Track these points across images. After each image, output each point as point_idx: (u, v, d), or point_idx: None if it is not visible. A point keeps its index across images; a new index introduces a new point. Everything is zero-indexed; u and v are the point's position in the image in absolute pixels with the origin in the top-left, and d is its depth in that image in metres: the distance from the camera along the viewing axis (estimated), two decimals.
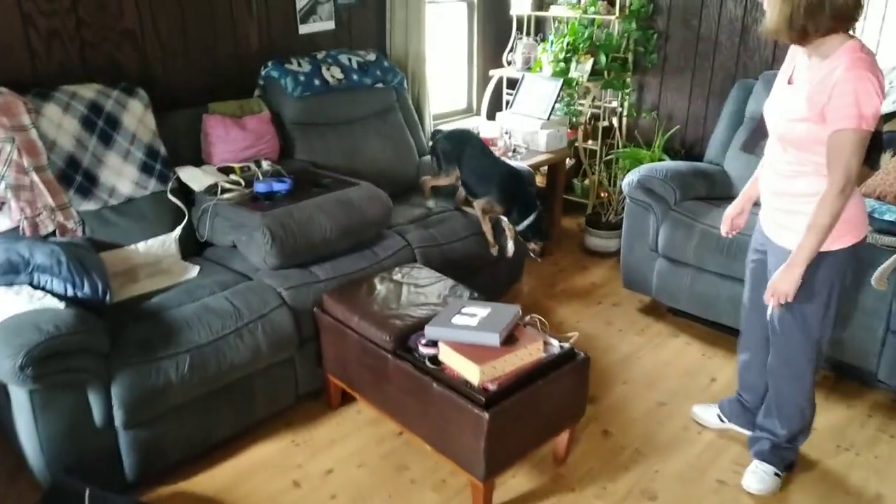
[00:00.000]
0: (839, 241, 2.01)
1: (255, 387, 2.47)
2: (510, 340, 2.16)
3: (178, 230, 2.79)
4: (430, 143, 3.53)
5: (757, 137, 3.46)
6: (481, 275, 3.19)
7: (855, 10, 1.84)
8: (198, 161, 3.00)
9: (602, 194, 4.08)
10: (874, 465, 2.42)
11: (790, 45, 2.00)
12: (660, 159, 3.88)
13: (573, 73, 4.10)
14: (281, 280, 2.60)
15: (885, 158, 3.07)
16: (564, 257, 4.04)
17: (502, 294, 3.46)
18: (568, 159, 4.29)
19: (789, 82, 2.05)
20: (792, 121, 1.96)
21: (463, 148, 3.30)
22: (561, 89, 3.98)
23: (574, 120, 4.20)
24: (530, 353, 2.17)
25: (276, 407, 2.58)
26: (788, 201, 2.07)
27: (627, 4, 4.10)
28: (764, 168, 2.21)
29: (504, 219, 3.25)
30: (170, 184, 2.81)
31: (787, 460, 2.35)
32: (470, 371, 2.08)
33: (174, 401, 2.22)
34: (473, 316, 2.25)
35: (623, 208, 4.00)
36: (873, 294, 2.59)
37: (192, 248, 2.85)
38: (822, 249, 1.98)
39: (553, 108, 3.98)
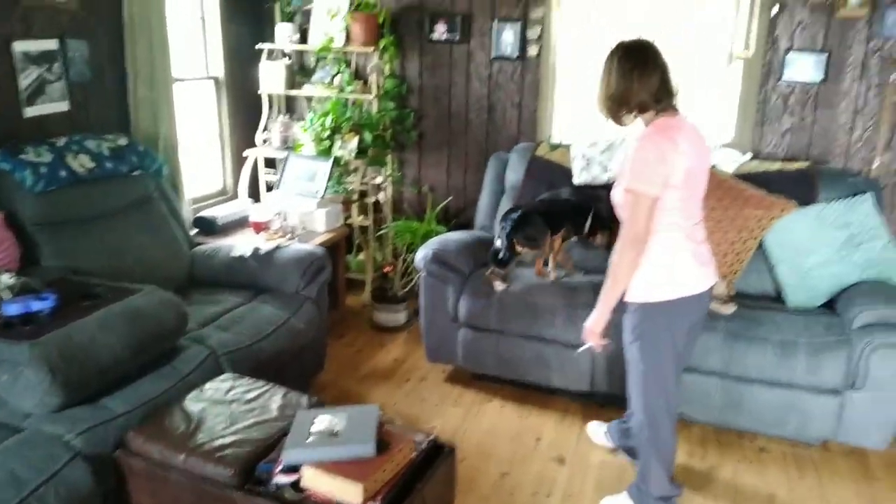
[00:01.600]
0: (646, 294, 2.21)
1: None
2: (382, 447, 1.97)
3: None
4: (506, 230, 3.27)
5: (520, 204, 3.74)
6: (287, 370, 2.90)
7: (657, 99, 2.12)
8: None
9: (386, 269, 4.04)
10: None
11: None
12: (434, 230, 3.99)
13: (338, 152, 4.04)
14: (67, 424, 2.05)
15: None
16: (358, 337, 3.89)
17: (310, 386, 3.18)
18: None
19: None
20: (616, 186, 2.26)
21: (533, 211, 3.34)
22: (332, 168, 3.89)
23: (346, 197, 4.13)
24: (404, 454, 2.00)
25: None
26: None
27: (382, 85, 4.20)
28: None
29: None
30: None
31: None
32: (350, 491, 1.84)
33: None
34: (332, 427, 2.01)
35: (409, 281, 4.02)
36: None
37: None
38: (635, 300, 2.23)
39: (326, 186, 3.86)
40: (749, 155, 3.62)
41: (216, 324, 2.76)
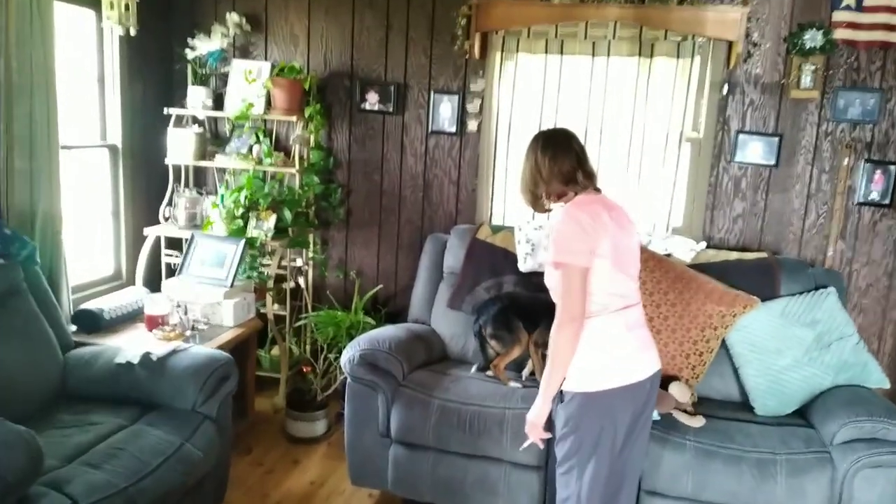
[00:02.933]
0: (583, 383, 2.02)
1: None
2: None
3: None
4: (478, 327, 3.08)
5: (462, 293, 3.36)
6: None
7: (573, 182, 2.08)
8: None
9: (305, 369, 3.53)
10: None
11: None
12: (362, 322, 3.53)
13: (253, 232, 3.57)
14: None
15: None
16: (269, 452, 3.33)
17: None
18: None
19: None
20: (546, 269, 2.14)
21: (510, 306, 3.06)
22: (244, 250, 3.41)
23: (259, 283, 3.63)
24: None
25: None
26: None
27: (306, 157, 3.79)
28: None
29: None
30: None
31: None
32: None
33: None
34: None
35: (330, 382, 3.53)
36: None
37: None
38: (571, 389, 2.04)
39: (236, 272, 3.36)
40: (703, 244, 3.37)
41: (85, 459, 2.19)
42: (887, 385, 2.85)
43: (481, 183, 3.72)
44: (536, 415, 2.09)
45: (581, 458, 2.08)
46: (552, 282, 2.12)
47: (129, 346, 2.75)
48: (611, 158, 3.55)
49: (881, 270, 3.41)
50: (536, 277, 3.31)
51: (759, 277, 3.07)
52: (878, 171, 3.32)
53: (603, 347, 2.05)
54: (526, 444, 2.17)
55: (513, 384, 2.94)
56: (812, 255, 3.45)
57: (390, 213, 3.89)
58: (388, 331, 3.11)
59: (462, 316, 3.34)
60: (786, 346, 2.82)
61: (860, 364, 2.76)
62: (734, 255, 3.21)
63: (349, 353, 2.87)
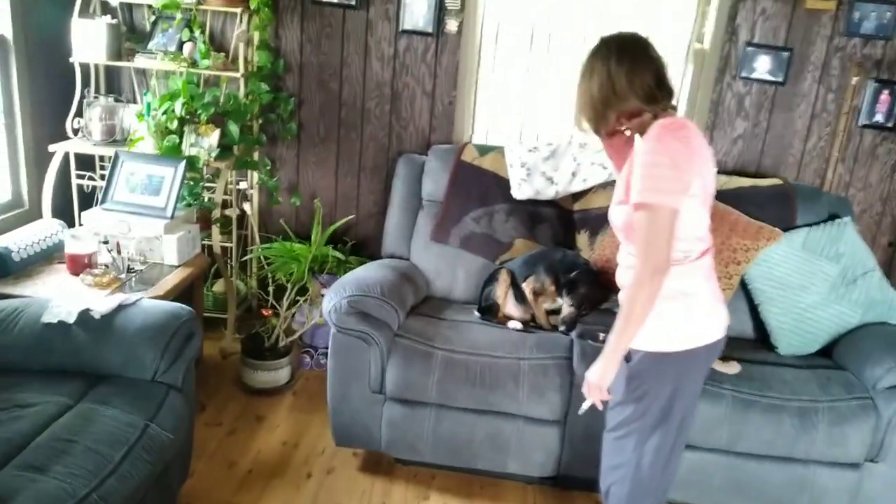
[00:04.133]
0: (657, 341, 1.74)
1: None
2: None
3: None
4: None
5: (447, 224, 2.95)
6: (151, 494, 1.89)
7: (654, 99, 1.68)
8: None
9: (265, 313, 3.03)
10: None
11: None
12: (330, 257, 3.06)
13: (191, 150, 2.95)
14: None
15: (581, 239, 2.88)
16: (224, 408, 2.85)
17: None
18: None
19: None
20: (615, 204, 1.79)
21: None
22: (185, 174, 2.80)
23: (204, 211, 3.04)
24: None
25: None
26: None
27: (251, 59, 3.15)
28: None
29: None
30: None
31: None
32: None
33: None
34: None
35: (290, 327, 3.07)
36: None
37: None
38: (642, 347, 1.74)
39: (177, 200, 2.77)
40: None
41: (25, 459, 1.65)
42: None
43: (461, 95, 3.24)
44: (601, 376, 1.76)
45: (644, 424, 1.81)
46: (621, 221, 1.76)
47: (58, 297, 2.15)
48: None
49: (875, 196, 3.28)
50: (532, 206, 2.97)
51: (775, 206, 2.84)
52: (885, 92, 3.12)
53: (681, 301, 1.73)
54: (585, 407, 1.85)
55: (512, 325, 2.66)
56: (810, 179, 3.26)
57: (351, 129, 3.35)
58: (374, 271, 2.66)
59: (447, 249, 2.95)
60: (810, 282, 2.63)
61: (887, 301, 2.61)
62: (747, 182, 2.95)
63: (334, 300, 2.42)
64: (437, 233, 2.96)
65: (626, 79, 1.67)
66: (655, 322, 1.69)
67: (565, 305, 2.58)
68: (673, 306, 1.72)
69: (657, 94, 1.69)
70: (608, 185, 2.86)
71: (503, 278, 2.73)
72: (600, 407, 1.84)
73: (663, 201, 1.60)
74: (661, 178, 1.60)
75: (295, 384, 3.08)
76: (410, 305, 2.70)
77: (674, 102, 1.76)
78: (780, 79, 3.14)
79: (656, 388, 1.78)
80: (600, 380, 1.76)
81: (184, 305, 2.17)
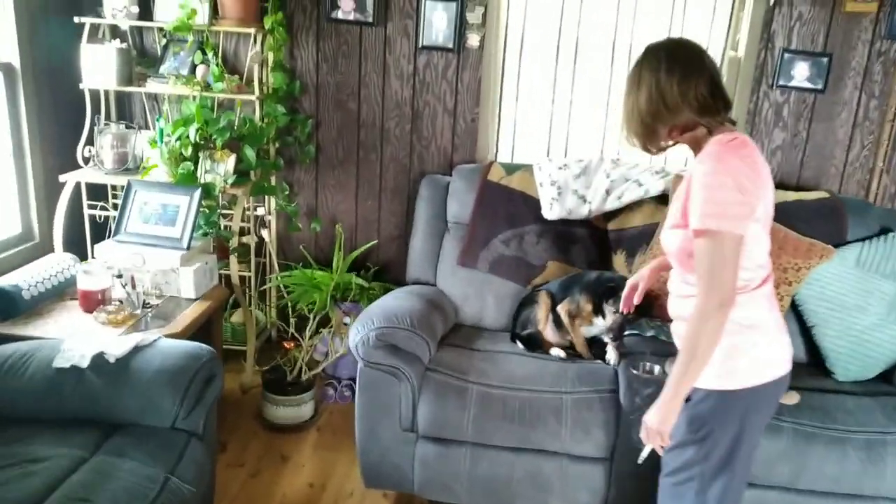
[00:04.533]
0: (723, 379, 1.59)
1: None
2: None
3: None
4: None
5: (475, 247, 2.81)
6: None
7: (710, 111, 1.54)
8: None
9: (287, 345, 2.89)
10: None
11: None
12: (353, 284, 2.92)
13: (206, 177, 2.83)
14: None
15: (618, 260, 2.73)
16: (246, 447, 2.71)
17: None
18: None
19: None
20: (668, 228, 1.65)
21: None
22: (200, 202, 2.68)
23: (221, 240, 2.92)
24: None
25: None
26: (681, 326, 1.63)
27: (266, 81, 3.03)
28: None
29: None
30: None
31: None
32: None
33: None
34: None
35: (313, 358, 2.93)
36: None
37: None
38: (706, 386, 1.60)
39: (193, 229, 2.64)
40: None
41: None
42: None
43: (484, 112, 3.11)
44: (661, 420, 1.61)
45: (707, 469, 1.65)
46: (676, 246, 1.61)
47: (70, 338, 2.02)
48: None
49: None
50: (564, 226, 2.82)
51: (822, 221, 2.68)
52: None
53: (744, 333, 1.59)
54: (645, 454, 1.70)
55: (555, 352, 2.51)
56: (854, 191, 3.10)
57: (370, 150, 3.22)
58: (402, 300, 2.52)
59: (476, 274, 2.80)
60: (867, 302, 2.46)
61: None
62: (792, 195, 2.79)
63: (361, 333, 2.28)
64: (465, 257, 2.82)
65: (677, 89, 1.53)
66: (717, 356, 1.54)
67: (609, 312, 2.42)
68: (735, 340, 1.57)
69: (712, 104, 1.56)
70: (643, 202, 2.73)
71: (543, 300, 2.58)
72: (661, 452, 1.69)
73: (728, 227, 1.46)
74: (724, 203, 1.46)
75: (319, 419, 2.93)
76: (440, 335, 2.55)
77: (732, 115, 1.63)
78: (819, 86, 3.00)
79: (720, 430, 1.63)
80: (660, 425, 1.61)
81: (203, 345, 2.04)
